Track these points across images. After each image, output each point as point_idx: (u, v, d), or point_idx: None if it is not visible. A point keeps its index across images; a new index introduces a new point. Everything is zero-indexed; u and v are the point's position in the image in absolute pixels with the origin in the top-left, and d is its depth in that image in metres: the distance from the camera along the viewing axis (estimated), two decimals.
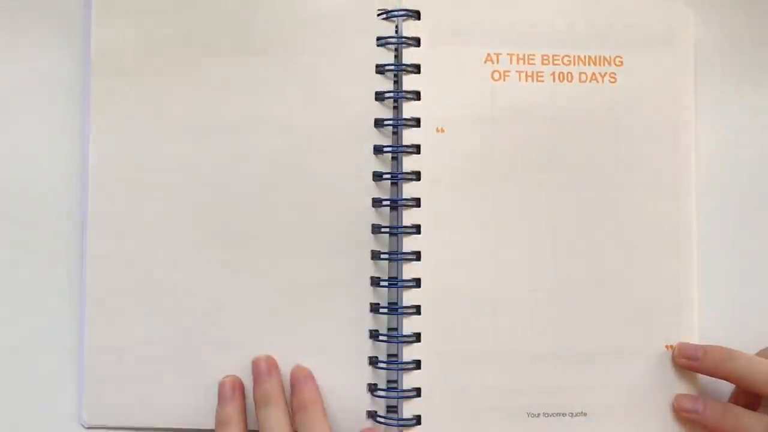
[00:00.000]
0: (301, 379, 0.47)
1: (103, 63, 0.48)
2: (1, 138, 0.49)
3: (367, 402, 0.48)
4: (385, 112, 0.49)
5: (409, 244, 0.48)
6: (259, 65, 0.48)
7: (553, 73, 0.49)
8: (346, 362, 0.48)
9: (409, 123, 0.48)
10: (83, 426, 0.48)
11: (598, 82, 0.49)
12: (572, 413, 0.48)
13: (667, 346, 0.48)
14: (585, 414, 0.48)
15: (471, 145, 0.48)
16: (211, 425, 0.47)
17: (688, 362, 0.47)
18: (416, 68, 0.48)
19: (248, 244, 0.48)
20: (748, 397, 0.47)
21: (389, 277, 0.48)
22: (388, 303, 0.48)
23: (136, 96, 0.48)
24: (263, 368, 0.47)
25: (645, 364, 0.48)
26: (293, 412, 0.46)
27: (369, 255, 0.48)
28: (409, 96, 0.48)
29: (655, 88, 0.49)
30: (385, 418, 0.48)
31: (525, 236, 0.48)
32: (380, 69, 0.48)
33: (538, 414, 0.48)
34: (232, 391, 0.46)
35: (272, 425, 0.45)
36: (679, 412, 0.47)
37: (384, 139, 0.49)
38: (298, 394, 0.46)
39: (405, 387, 0.47)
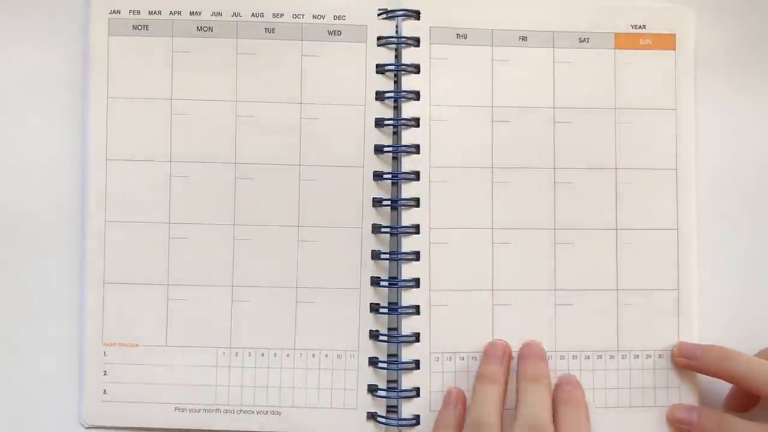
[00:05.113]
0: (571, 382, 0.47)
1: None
2: (1, 137, 0.49)
3: (367, 402, 0.48)
4: (385, 112, 0.49)
5: (408, 244, 0.48)
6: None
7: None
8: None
9: (409, 123, 0.48)
10: (83, 426, 0.48)
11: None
12: None
13: (667, 347, 0.48)
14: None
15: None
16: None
17: (687, 361, 0.47)
18: (416, 68, 0.48)
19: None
20: (744, 398, 0.47)
21: (389, 277, 0.48)
22: (388, 303, 0.48)
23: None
24: (537, 352, 0.47)
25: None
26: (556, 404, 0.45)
27: (369, 255, 0.48)
28: (408, 96, 0.48)
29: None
30: (385, 418, 0.48)
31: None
32: (380, 69, 0.49)
33: None
34: (502, 353, 0.47)
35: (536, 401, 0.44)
36: (674, 424, 0.47)
37: (384, 139, 0.49)
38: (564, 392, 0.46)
39: (405, 387, 0.47)
